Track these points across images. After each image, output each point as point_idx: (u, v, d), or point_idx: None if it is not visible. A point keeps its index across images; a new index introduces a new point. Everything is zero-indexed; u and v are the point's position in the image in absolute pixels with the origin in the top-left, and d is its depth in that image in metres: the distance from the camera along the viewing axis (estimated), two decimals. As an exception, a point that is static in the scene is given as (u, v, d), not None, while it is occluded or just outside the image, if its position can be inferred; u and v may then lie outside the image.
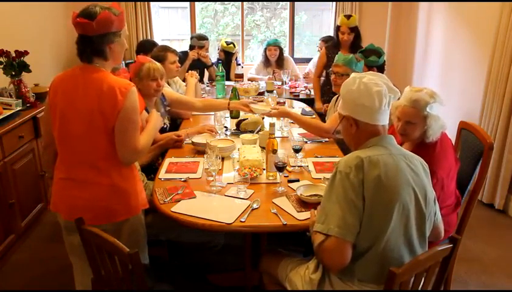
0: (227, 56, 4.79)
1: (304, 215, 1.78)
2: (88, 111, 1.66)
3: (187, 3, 5.52)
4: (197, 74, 3.56)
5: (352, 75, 1.57)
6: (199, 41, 4.45)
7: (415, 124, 1.90)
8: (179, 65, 3.33)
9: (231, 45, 4.78)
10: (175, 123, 3.18)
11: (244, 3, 5.72)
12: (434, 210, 1.55)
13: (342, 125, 1.61)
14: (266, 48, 4.73)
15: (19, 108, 2.94)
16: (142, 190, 1.85)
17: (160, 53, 3.10)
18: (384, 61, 3.10)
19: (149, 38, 5.11)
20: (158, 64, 2.59)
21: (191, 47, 4.47)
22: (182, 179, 2.15)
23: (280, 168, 2.02)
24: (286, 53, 5.39)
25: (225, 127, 2.94)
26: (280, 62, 4.73)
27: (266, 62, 4.77)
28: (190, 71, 3.61)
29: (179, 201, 1.92)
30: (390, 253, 1.44)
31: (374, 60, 2.99)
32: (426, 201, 1.49)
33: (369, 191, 1.40)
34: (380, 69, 3.05)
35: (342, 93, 1.58)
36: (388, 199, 1.41)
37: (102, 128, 1.67)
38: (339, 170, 1.45)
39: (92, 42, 1.67)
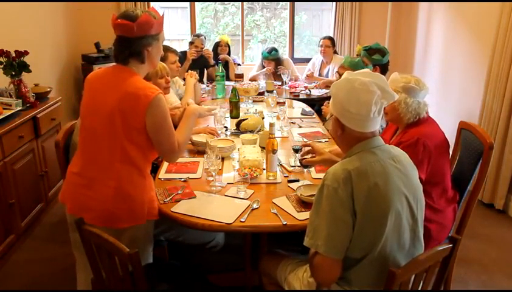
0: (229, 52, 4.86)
1: (304, 215, 1.78)
2: (109, 109, 1.67)
3: (187, 3, 5.53)
4: (196, 74, 3.56)
5: (345, 75, 1.49)
6: (193, 37, 4.56)
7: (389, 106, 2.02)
8: (179, 65, 3.33)
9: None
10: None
11: (244, 3, 5.72)
12: (423, 206, 1.52)
13: (332, 122, 1.55)
14: (262, 59, 4.78)
15: (19, 108, 2.94)
16: (153, 200, 1.82)
17: (161, 53, 3.10)
18: (388, 60, 3.10)
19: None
20: (161, 62, 2.60)
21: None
22: (182, 179, 2.15)
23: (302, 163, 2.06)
24: (285, 54, 5.40)
25: (225, 127, 2.94)
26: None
27: (264, 67, 4.81)
28: (189, 71, 3.61)
29: (179, 201, 1.91)
30: (385, 259, 1.42)
31: (378, 58, 3.01)
32: (417, 203, 1.47)
33: (360, 204, 1.36)
34: (384, 67, 3.05)
35: (331, 93, 1.51)
36: (380, 209, 1.37)
37: (121, 128, 1.67)
38: (327, 183, 1.39)
39: (131, 43, 1.69)
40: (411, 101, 1.99)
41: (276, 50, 4.71)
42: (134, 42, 1.69)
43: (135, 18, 1.66)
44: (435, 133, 2.04)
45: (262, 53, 4.78)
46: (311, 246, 1.41)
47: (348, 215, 1.36)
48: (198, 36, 4.56)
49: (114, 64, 1.77)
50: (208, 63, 4.68)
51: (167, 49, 3.15)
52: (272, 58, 4.67)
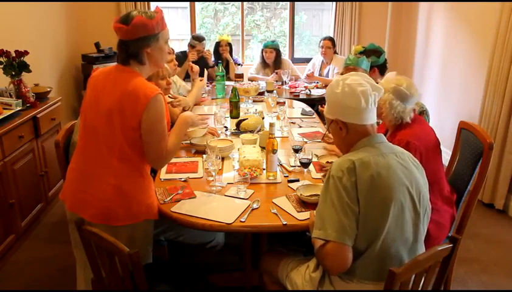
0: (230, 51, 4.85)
1: (304, 215, 1.78)
2: (109, 107, 1.68)
3: (187, 3, 5.53)
4: (205, 80, 3.56)
5: (335, 78, 1.58)
6: (192, 40, 4.53)
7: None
8: (176, 63, 3.34)
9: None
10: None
11: (244, 3, 5.72)
12: (429, 205, 1.55)
13: (331, 129, 1.61)
14: (262, 50, 4.76)
15: (19, 108, 2.94)
16: (152, 200, 1.82)
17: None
18: (385, 59, 3.09)
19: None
20: None
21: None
22: (182, 179, 2.15)
23: (306, 164, 2.13)
24: (285, 54, 5.40)
25: (225, 127, 2.94)
26: (277, 64, 4.74)
27: (264, 63, 4.80)
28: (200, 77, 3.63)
29: (179, 201, 1.91)
30: (387, 252, 1.44)
31: (374, 60, 2.98)
32: (420, 198, 1.49)
33: (363, 193, 1.41)
34: (382, 67, 3.04)
35: (327, 97, 1.59)
36: (382, 199, 1.41)
37: (119, 126, 1.67)
38: (332, 174, 1.45)
39: (128, 46, 1.69)
40: (396, 103, 1.99)
41: (275, 41, 4.81)
42: (130, 44, 1.69)
43: (129, 21, 1.66)
44: (424, 134, 2.04)
45: (264, 44, 4.78)
46: (320, 237, 1.42)
47: (353, 202, 1.41)
48: (199, 40, 4.50)
49: (117, 63, 1.77)
50: (207, 64, 4.68)
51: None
52: (274, 47, 4.72)
